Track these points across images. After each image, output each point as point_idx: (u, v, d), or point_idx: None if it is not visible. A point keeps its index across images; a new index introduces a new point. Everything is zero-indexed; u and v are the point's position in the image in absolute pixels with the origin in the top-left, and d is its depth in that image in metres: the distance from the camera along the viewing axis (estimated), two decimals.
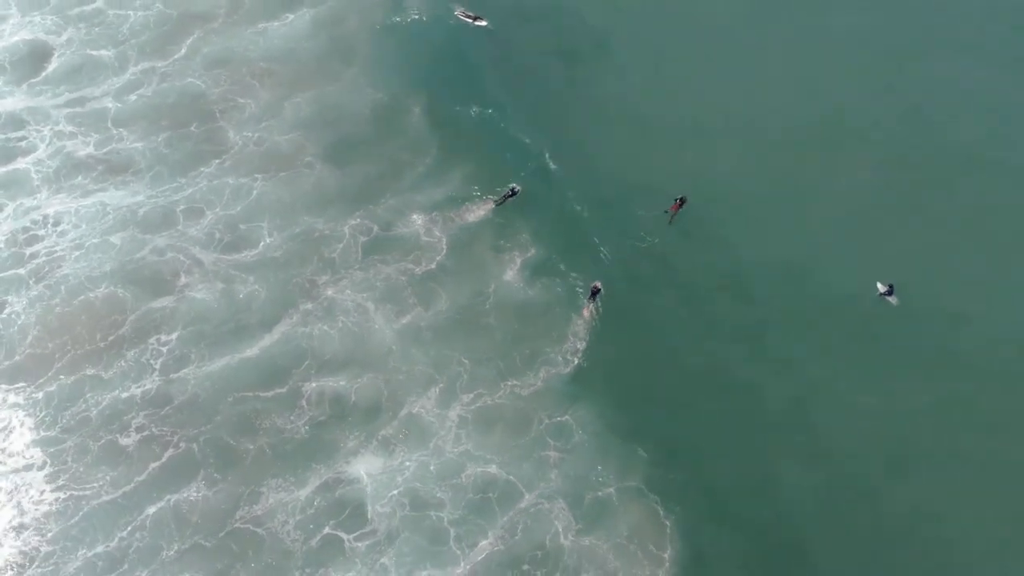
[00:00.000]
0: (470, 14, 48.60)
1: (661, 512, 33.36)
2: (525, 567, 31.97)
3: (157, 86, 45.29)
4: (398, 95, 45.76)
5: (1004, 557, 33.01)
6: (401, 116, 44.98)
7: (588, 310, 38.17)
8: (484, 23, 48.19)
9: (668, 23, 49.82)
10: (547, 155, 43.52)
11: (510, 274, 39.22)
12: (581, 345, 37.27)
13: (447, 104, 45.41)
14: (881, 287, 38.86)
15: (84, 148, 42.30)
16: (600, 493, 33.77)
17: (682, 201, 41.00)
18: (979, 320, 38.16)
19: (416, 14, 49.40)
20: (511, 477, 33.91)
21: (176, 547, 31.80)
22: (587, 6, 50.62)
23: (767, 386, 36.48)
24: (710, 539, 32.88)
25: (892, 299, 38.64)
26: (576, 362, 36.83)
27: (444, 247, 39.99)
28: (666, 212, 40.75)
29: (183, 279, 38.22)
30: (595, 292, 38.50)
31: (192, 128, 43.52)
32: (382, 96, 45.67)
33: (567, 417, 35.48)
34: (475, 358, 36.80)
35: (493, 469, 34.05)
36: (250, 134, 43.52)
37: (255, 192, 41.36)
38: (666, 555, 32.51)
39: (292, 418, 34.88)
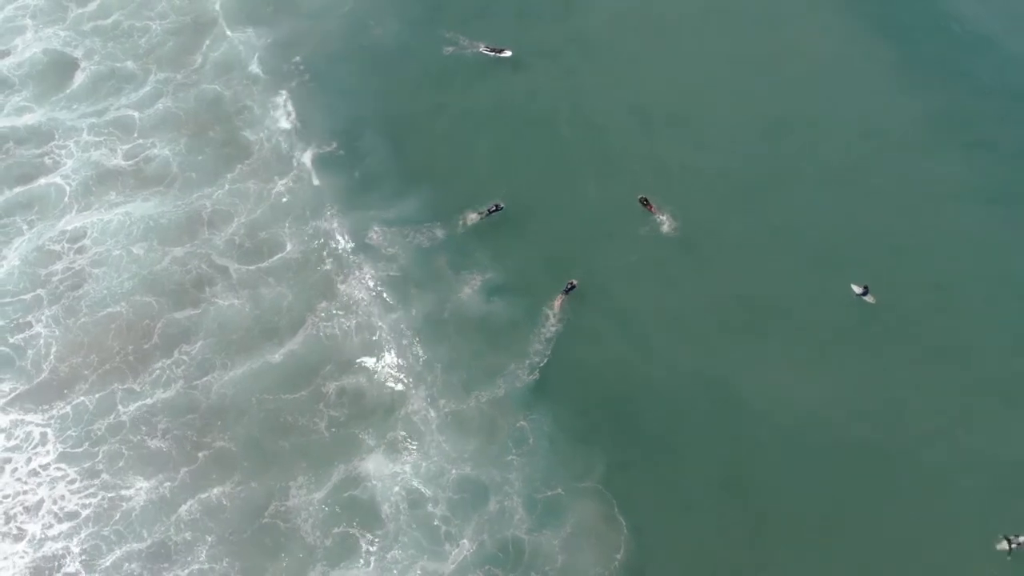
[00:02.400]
0: (494, 48, 49.44)
1: (616, 510, 35.18)
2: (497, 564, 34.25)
3: (175, 94, 47.34)
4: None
5: None
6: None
7: (560, 301, 40.14)
8: (508, 54, 49.14)
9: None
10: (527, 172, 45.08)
11: (484, 281, 41.09)
12: (540, 359, 38.85)
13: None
14: (857, 288, 40.30)
15: (112, 159, 44.51)
16: (551, 493, 35.67)
17: (645, 201, 43.10)
18: None
19: None
20: (482, 478, 35.91)
21: (211, 539, 34.34)
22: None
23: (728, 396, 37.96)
24: (663, 538, 34.70)
25: (869, 298, 40.08)
26: (536, 375, 38.41)
27: (414, 254, 41.86)
28: (651, 214, 42.91)
29: (205, 291, 40.58)
30: (570, 288, 40.48)
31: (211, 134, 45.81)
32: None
33: (524, 423, 37.22)
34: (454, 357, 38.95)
35: (468, 470, 36.09)
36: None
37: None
38: (618, 555, 34.32)
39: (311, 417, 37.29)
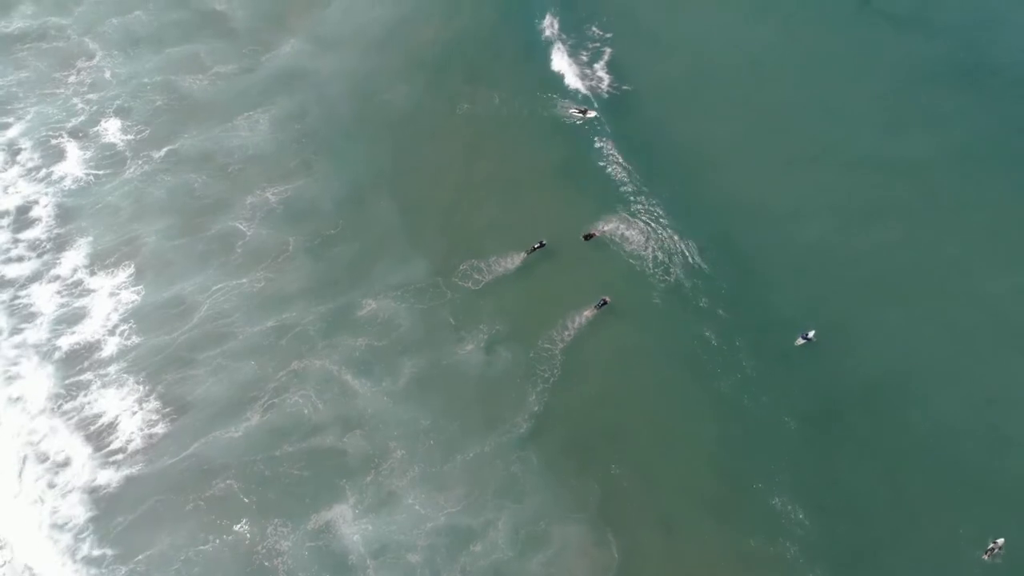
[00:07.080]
0: (581, 108, 51.30)
1: (610, 538, 37.08)
2: None
3: None
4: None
5: None
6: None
7: (590, 312, 42.96)
8: (594, 114, 50.95)
9: None
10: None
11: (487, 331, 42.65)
12: (537, 407, 40.65)
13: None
14: (806, 334, 42.59)
15: None
16: (540, 527, 37.68)
17: (588, 235, 45.76)
18: None
19: None
20: (474, 521, 37.69)
21: None
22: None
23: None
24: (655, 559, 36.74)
25: (805, 338, 42.24)
26: (532, 422, 40.05)
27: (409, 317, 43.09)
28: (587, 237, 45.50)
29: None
30: (603, 303, 43.30)
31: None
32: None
33: (516, 468, 38.97)
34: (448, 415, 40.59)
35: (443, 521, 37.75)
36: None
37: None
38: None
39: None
